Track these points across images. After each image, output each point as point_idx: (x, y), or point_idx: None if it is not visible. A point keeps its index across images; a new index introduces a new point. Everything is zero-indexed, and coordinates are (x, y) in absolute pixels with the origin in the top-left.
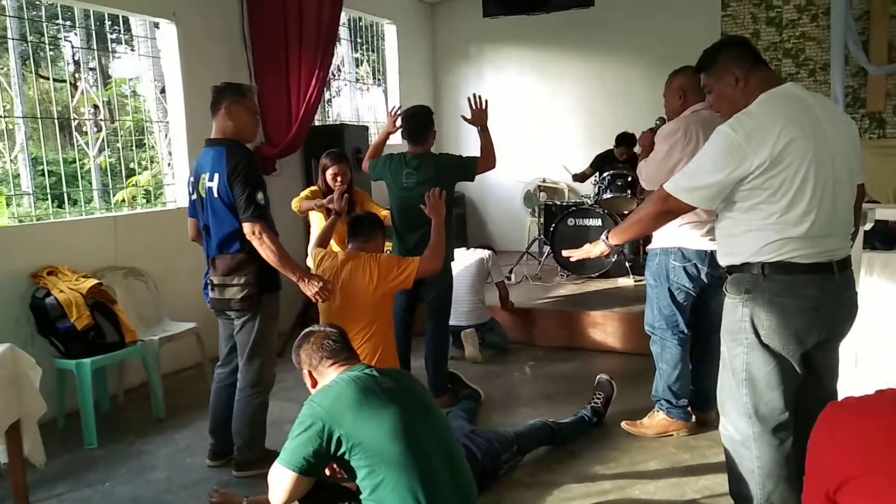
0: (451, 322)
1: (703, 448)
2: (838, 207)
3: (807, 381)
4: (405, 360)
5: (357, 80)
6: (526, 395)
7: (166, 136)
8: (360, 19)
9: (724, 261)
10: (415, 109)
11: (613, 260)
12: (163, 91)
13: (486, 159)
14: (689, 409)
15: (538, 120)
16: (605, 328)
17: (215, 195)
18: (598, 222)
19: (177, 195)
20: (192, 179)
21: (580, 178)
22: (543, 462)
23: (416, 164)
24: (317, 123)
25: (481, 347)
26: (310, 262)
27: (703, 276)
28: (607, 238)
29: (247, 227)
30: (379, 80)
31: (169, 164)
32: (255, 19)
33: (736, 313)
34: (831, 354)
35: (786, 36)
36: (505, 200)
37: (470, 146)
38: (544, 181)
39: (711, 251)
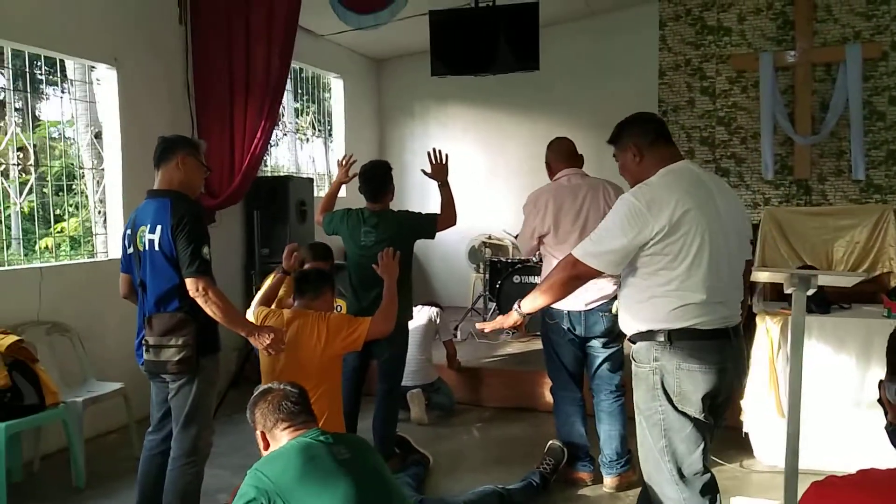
0: None
1: None
2: (731, 277)
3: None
4: (353, 421)
5: (297, 130)
6: (475, 458)
7: (99, 182)
8: (301, 70)
9: (628, 329)
10: (374, 164)
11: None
12: (97, 136)
13: (447, 215)
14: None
15: (483, 178)
16: None
17: (156, 248)
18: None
19: (108, 245)
20: (128, 232)
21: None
22: None
23: (374, 222)
24: (259, 174)
25: (427, 408)
26: (250, 319)
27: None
28: (520, 307)
29: (190, 284)
30: (320, 130)
31: (99, 212)
32: (200, 67)
33: (647, 382)
34: (723, 413)
35: (719, 105)
36: (450, 256)
37: (414, 200)
38: (489, 237)
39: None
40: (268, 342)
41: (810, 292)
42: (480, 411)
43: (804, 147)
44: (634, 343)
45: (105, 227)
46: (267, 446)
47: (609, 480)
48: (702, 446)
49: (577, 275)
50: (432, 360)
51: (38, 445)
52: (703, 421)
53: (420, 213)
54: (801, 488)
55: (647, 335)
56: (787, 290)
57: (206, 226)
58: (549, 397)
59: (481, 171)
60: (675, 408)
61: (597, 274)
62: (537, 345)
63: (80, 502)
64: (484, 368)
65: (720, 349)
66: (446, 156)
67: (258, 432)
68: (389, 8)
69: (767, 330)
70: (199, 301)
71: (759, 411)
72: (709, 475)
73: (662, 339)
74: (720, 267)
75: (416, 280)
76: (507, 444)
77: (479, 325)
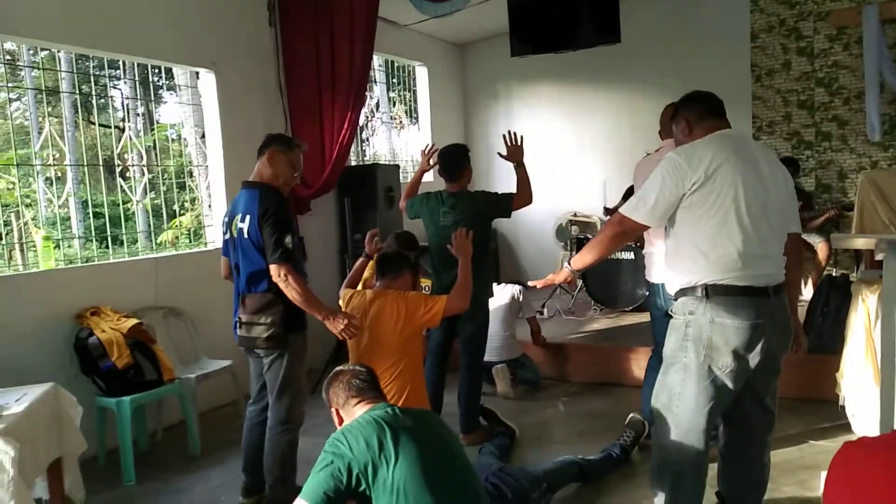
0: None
1: None
2: (770, 234)
3: (745, 398)
4: (439, 395)
5: (392, 118)
6: (559, 432)
7: (206, 178)
8: (393, 62)
9: (671, 285)
10: (450, 147)
11: (646, 293)
12: (203, 136)
13: (523, 195)
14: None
15: (569, 154)
16: (639, 363)
17: (245, 235)
18: (631, 255)
19: (215, 236)
20: (226, 219)
21: (612, 212)
22: (573, 500)
23: (452, 203)
24: (352, 163)
25: (513, 383)
26: (340, 303)
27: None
28: (569, 264)
29: (273, 270)
30: (414, 118)
31: (209, 206)
32: (290, 66)
33: (679, 332)
34: (769, 373)
35: (818, 65)
36: (537, 235)
37: (502, 183)
38: (576, 215)
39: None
40: (341, 327)
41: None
42: (566, 386)
43: None
44: (676, 299)
45: (212, 219)
46: (341, 422)
47: None
48: (713, 404)
49: (623, 231)
50: (516, 336)
51: (159, 418)
52: (725, 379)
53: (496, 193)
54: None
55: (687, 290)
56: (878, 257)
57: (290, 217)
58: (633, 372)
59: (566, 149)
60: (702, 360)
61: (642, 228)
62: (623, 320)
63: (195, 468)
64: (570, 344)
65: (756, 306)
66: (521, 138)
67: (333, 410)
68: None
69: (864, 300)
70: (281, 285)
71: (856, 383)
72: (708, 431)
73: (700, 293)
74: (757, 219)
75: (504, 259)
76: (591, 417)
77: (530, 283)
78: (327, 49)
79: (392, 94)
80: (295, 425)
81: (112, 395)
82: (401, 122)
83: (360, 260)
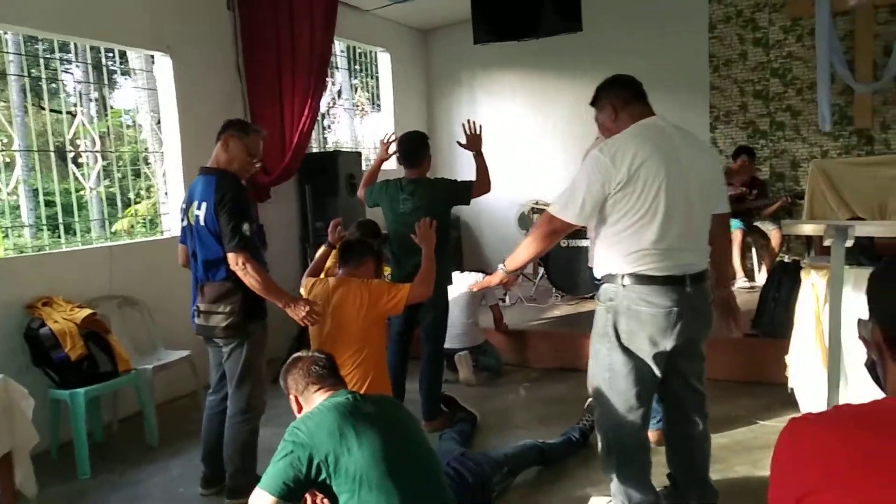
0: (445, 345)
1: None
2: (691, 226)
3: (673, 380)
4: (400, 384)
5: (355, 105)
6: (521, 417)
7: (162, 165)
8: (356, 48)
9: (597, 272)
10: (409, 135)
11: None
12: (159, 122)
13: (482, 183)
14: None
15: (531, 142)
16: None
17: (202, 223)
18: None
19: (172, 224)
20: (183, 206)
21: None
22: (535, 483)
23: (411, 190)
24: (313, 150)
25: (475, 370)
26: (301, 291)
27: None
28: (504, 265)
29: (231, 258)
30: (376, 105)
31: (166, 194)
32: (249, 50)
33: (602, 319)
34: (692, 357)
35: (773, 56)
36: (499, 222)
37: (464, 170)
38: (538, 203)
39: None
40: (303, 314)
41: (849, 243)
42: (527, 372)
43: (865, 95)
44: (601, 285)
45: (169, 207)
46: (300, 409)
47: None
48: (639, 388)
49: (553, 230)
50: (479, 323)
51: (115, 409)
52: (647, 363)
53: (455, 180)
54: None
55: (609, 278)
56: (826, 242)
57: (247, 203)
58: None
59: (529, 137)
60: (622, 345)
61: (571, 226)
62: (584, 307)
63: (153, 459)
64: (531, 331)
65: (671, 294)
66: (480, 127)
67: (291, 397)
68: None
69: (813, 284)
70: (239, 273)
71: (805, 366)
72: (640, 411)
73: (618, 282)
74: (677, 216)
75: (466, 247)
76: (552, 403)
77: (469, 286)
78: (287, 33)
79: (354, 81)
80: (255, 414)
81: (65, 387)
82: (363, 109)
83: (323, 248)
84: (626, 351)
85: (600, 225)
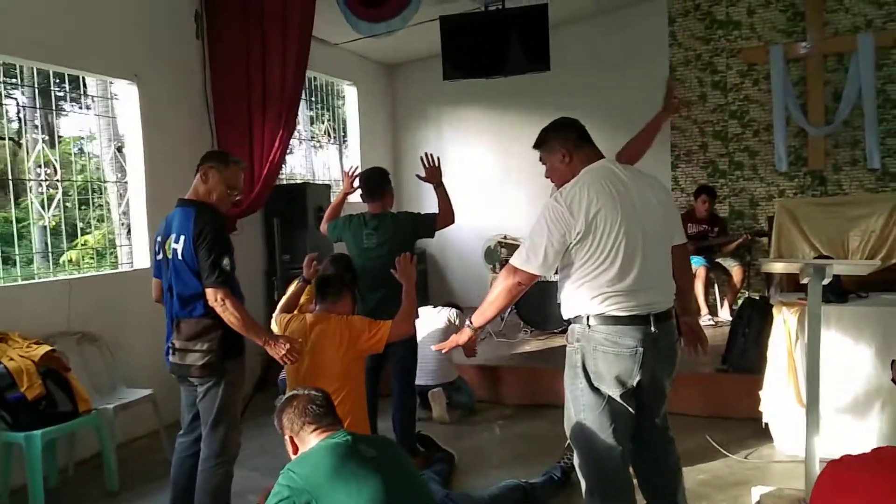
0: (418, 381)
1: None
2: (652, 265)
3: (639, 416)
4: (372, 422)
5: (312, 137)
6: (498, 456)
7: (122, 195)
8: (315, 79)
9: (565, 313)
10: (371, 170)
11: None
12: (119, 150)
13: (445, 214)
14: None
15: (498, 177)
16: None
17: (179, 257)
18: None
19: (133, 256)
20: (159, 239)
21: None
22: None
23: (375, 225)
24: (276, 182)
25: (449, 407)
26: (274, 327)
27: None
28: (471, 322)
29: (210, 294)
30: (334, 138)
31: (122, 224)
32: (218, 80)
33: (571, 360)
34: (656, 396)
35: (731, 98)
36: (466, 256)
37: (432, 205)
38: (505, 237)
39: None
40: (283, 352)
41: (826, 281)
42: (501, 409)
43: (818, 138)
44: (569, 326)
45: (129, 239)
46: (296, 450)
47: None
48: (615, 426)
49: (518, 282)
50: (452, 359)
51: (72, 452)
52: (618, 402)
53: (419, 213)
54: None
55: (576, 319)
56: (803, 280)
57: (227, 237)
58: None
59: (496, 172)
60: (592, 386)
61: (534, 278)
62: (554, 342)
63: None
64: (503, 367)
65: (635, 334)
66: (438, 159)
67: (287, 437)
68: (401, 15)
69: (785, 321)
70: (218, 310)
71: (779, 401)
72: (619, 450)
73: (584, 323)
74: (638, 258)
75: (433, 280)
76: (529, 440)
77: (434, 347)
78: (258, 64)
79: (311, 113)
80: (230, 457)
81: (20, 429)
82: (320, 141)
83: (298, 283)
84: (597, 390)
85: (566, 267)
